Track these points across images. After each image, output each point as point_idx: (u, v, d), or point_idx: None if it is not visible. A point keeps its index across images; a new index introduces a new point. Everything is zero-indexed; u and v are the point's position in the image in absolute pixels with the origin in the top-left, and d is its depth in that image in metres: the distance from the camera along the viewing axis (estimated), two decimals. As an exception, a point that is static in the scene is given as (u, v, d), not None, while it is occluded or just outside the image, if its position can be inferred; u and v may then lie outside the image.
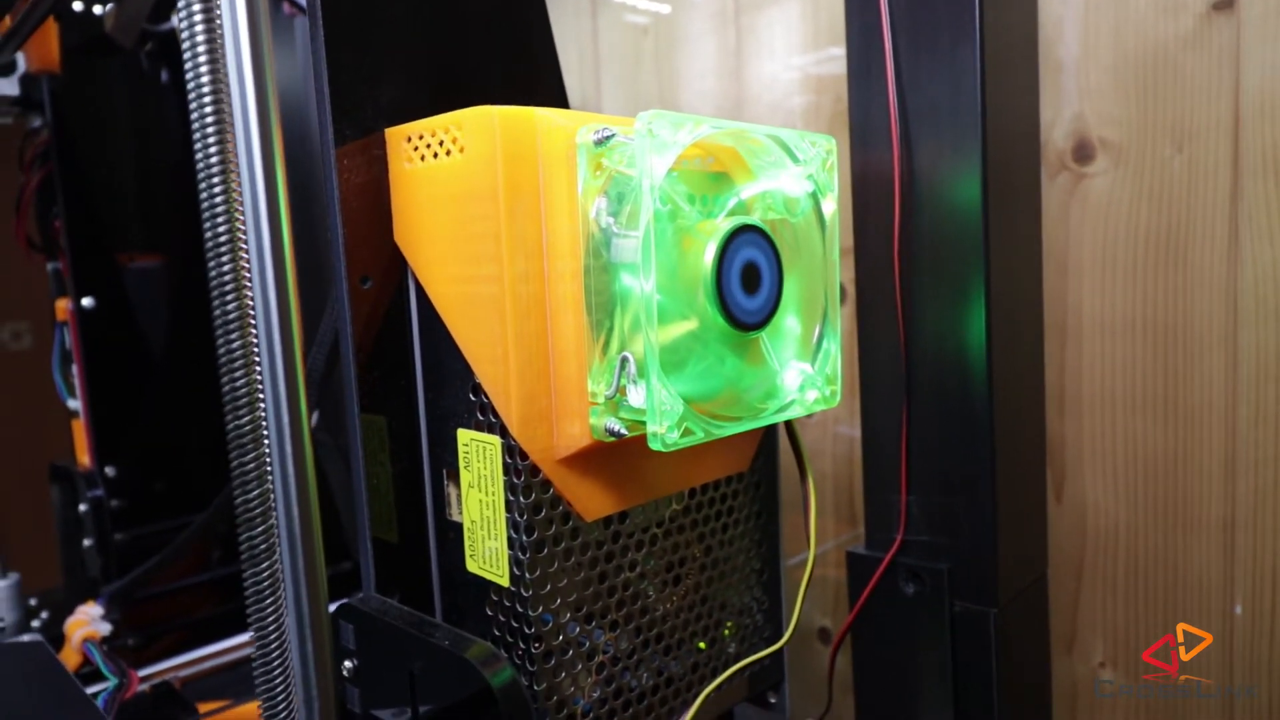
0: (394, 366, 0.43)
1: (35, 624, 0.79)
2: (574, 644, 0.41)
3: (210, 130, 0.30)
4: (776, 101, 0.88)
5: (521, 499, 0.38)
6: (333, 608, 0.44)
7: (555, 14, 0.51)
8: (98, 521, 0.78)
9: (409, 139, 0.40)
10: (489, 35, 0.48)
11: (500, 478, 0.39)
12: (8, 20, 0.71)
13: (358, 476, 0.43)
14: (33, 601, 0.82)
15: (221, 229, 0.30)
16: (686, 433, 0.37)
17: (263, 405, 0.31)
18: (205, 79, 0.30)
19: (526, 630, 0.39)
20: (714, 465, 0.47)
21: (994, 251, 0.51)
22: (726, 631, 0.49)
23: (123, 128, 0.81)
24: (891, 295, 0.53)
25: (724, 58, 0.92)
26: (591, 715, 0.42)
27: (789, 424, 0.49)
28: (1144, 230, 0.66)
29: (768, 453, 0.50)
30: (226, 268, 0.31)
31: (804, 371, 0.44)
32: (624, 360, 0.37)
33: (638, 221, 0.35)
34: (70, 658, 0.67)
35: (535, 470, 0.38)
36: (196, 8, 0.30)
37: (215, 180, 0.30)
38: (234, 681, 0.74)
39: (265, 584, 0.32)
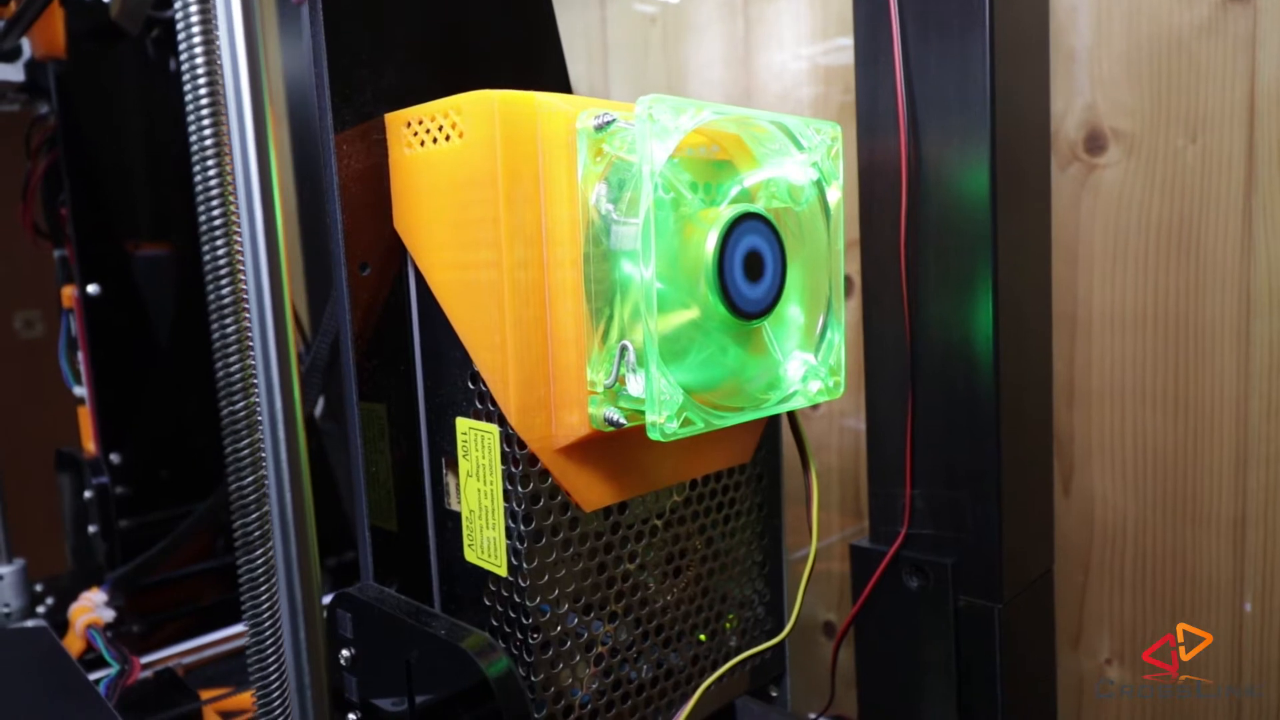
0: (393, 354, 0.42)
1: (41, 609, 0.80)
2: (572, 635, 0.40)
3: (205, 115, 0.30)
4: (785, 91, 0.87)
5: (519, 488, 0.38)
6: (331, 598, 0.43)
7: (563, 3, 0.50)
8: (102, 508, 0.79)
9: (408, 124, 0.40)
10: (491, 19, 0.47)
11: (498, 467, 0.38)
12: (13, 5, 0.71)
13: (356, 464, 0.43)
14: (39, 587, 0.82)
15: (216, 213, 0.30)
16: (686, 423, 0.36)
17: (257, 391, 0.31)
18: (200, 64, 0.30)
19: (524, 621, 0.39)
20: (715, 456, 0.46)
21: (1002, 242, 0.50)
22: (728, 624, 0.49)
23: (129, 114, 0.81)
24: (897, 286, 0.53)
25: (732, 47, 0.92)
26: (590, 707, 0.41)
27: (792, 415, 0.48)
28: (1156, 221, 0.65)
29: (770, 444, 0.50)
30: (221, 253, 0.30)
31: (807, 362, 0.43)
32: (623, 349, 0.36)
33: (638, 208, 0.35)
34: (74, 644, 0.67)
35: (533, 459, 0.38)
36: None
37: (210, 165, 0.30)
38: (238, 669, 0.74)
39: (260, 572, 0.31)
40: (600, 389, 0.37)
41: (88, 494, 0.79)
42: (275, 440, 0.31)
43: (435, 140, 0.39)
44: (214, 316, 0.30)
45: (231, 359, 0.31)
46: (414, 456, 0.43)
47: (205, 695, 0.67)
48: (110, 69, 0.79)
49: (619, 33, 1.02)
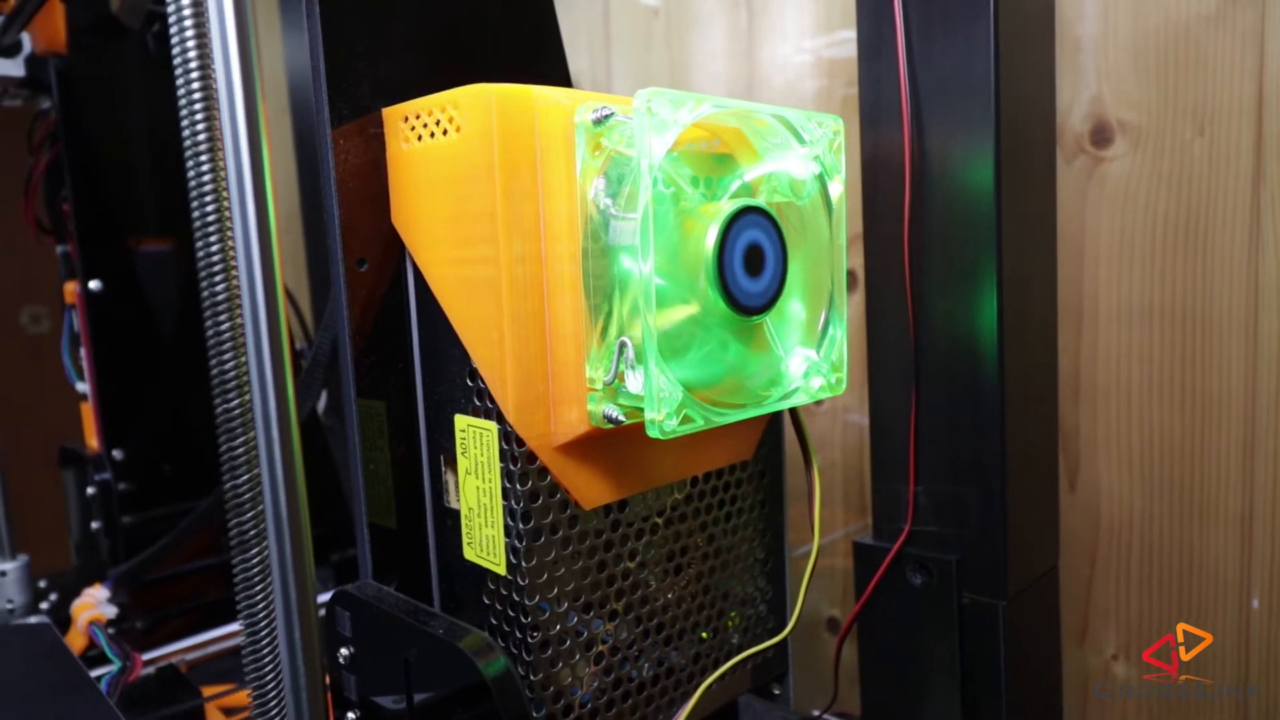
0: (392, 351, 0.42)
1: (44, 606, 0.80)
2: (572, 634, 0.40)
3: (198, 110, 0.30)
4: (788, 84, 0.86)
5: (518, 486, 0.37)
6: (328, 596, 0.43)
7: (563, -5, 0.50)
8: (105, 504, 0.78)
9: (406, 118, 0.40)
10: (490, 12, 0.47)
11: (497, 464, 0.38)
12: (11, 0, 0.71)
13: (354, 462, 0.43)
14: (42, 583, 0.82)
15: (209, 210, 0.30)
16: (686, 420, 0.36)
17: (250, 389, 0.31)
18: (192, 58, 0.30)
19: (523, 620, 0.38)
20: (717, 453, 0.46)
21: (1006, 235, 0.49)
22: (731, 622, 0.49)
23: (131, 110, 0.81)
24: (901, 280, 0.52)
25: (735, 40, 0.91)
26: (590, 706, 0.41)
27: (794, 411, 0.48)
28: (1163, 215, 0.65)
29: (772, 441, 0.49)
30: (215, 249, 0.30)
31: (809, 358, 0.43)
32: (622, 345, 0.36)
33: (637, 203, 0.34)
34: (76, 640, 0.67)
35: (532, 457, 0.38)
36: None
37: (203, 160, 0.30)
38: (241, 666, 0.74)
39: (255, 570, 0.31)
40: (599, 386, 0.37)
41: (90, 490, 0.79)
42: (269, 439, 0.31)
43: (433, 135, 0.38)
44: (208, 313, 0.30)
45: (226, 356, 0.30)
46: (413, 454, 0.43)
47: (208, 692, 0.67)
48: (111, 64, 0.79)
49: (621, 26, 1.02)
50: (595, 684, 0.41)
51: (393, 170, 0.41)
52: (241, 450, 0.31)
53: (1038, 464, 0.56)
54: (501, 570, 0.39)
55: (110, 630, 0.67)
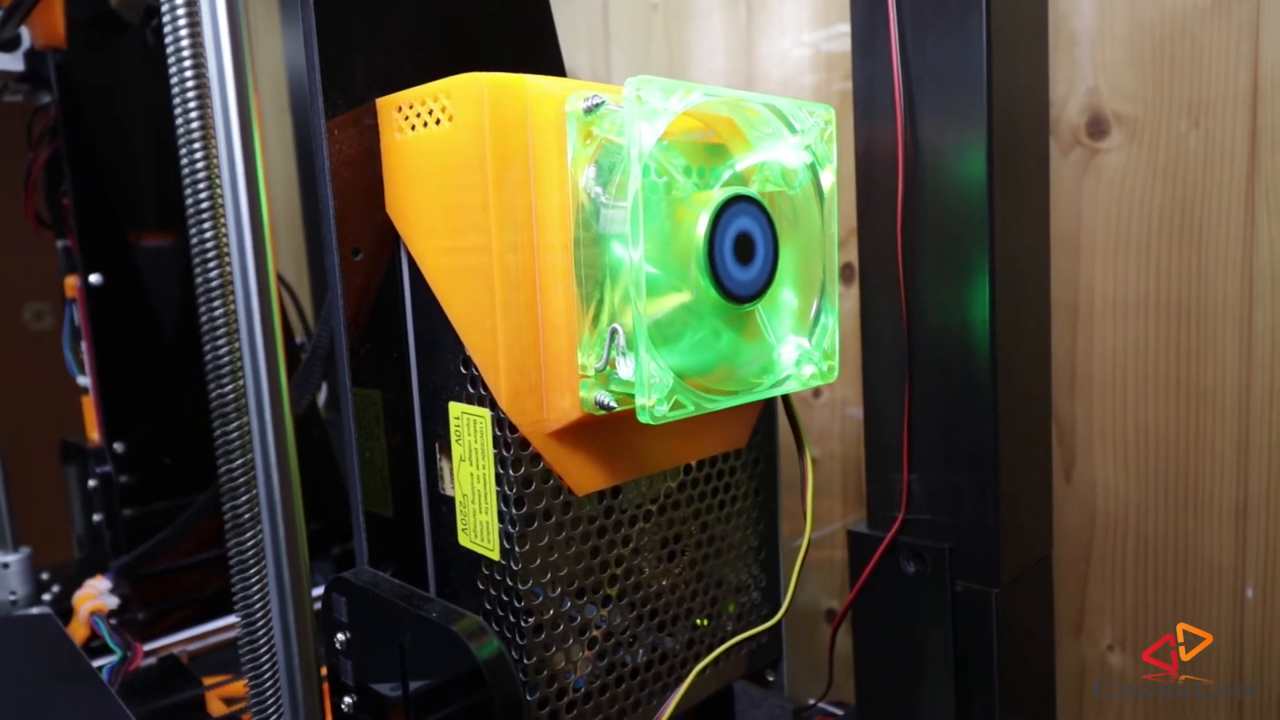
0: (387, 340, 0.43)
1: (46, 597, 0.80)
2: (566, 619, 0.40)
3: (190, 100, 0.30)
4: (787, 78, 0.87)
5: (511, 472, 0.38)
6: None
7: (563, -11, 0.50)
8: (106, 497, 0.79)
9: (399, 108, 0.40)
10: (486, 5, 0.47)
11: (490, 451, 0.38)
12: (11, -5, 0.71)
13: (350, 451, 0.43)
14: (45, 575, 0.83)
15: (203, 198, 0.30)
16: (676, 406, 0.36)
17: (244, 375, 0.31)
18: (185, 49, 0.30)
19: (516, 604, 0.39)
20: (711, 441, 0.46)
21: (999, 226, 0.50)
22: (729, 609, 0.49)
23: (130, 104, 0.81)
24: (895, 271, 0.52)
25: (734, 34, 0.91)
26: (584, 690, 0.42)
27: (786, 400, 0.48)
28: (1158, 207, 0.65)
29: (766, 429, 0.50)
30: (208, 236, 0.30)
31: (801, 346, 0.43)
32: (613, 332, 0.36)
33: (627, 191, 0.35)
34: (78, 630, 0.68)
35: (525, 443, 0.38)
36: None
37: (196, 149, 0.30)
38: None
39: (249, 553, 0.32)
40: (591, 373, 0.37)
41: (92, 483, 0.80)
42: (262, 422, 0.31)
43: (425, 124, 0.39)
44: (202, 300, 0.31)
45: (220, 343, 0.31)
46: (409, 442, 0.43)
47: (208, 681, 0.68)
48: (111, 59, 0.79)
49: (620, 20, 1.02)
50: (589, 669, 0.42)
51: (387, 160, 0.41)
52: (236, 435, 0.31)
53: (1031, 453, 0.56)
54: (495, 556, 0.39)
55: (112, 621, 0.68)
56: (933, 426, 0.53)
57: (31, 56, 0.77)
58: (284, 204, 1.25)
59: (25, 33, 0.76)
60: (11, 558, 0.77)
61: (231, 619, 0.77)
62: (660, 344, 0.36)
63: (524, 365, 0.38)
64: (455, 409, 0.40)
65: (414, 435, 0.43)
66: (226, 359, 0.31)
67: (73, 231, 0.78)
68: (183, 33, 0.30)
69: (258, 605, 0.32)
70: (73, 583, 0.77)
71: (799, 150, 0.42)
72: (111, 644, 0.65)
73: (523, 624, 0.39)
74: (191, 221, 0.30)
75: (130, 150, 0.81)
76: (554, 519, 0.40)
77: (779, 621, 0.50)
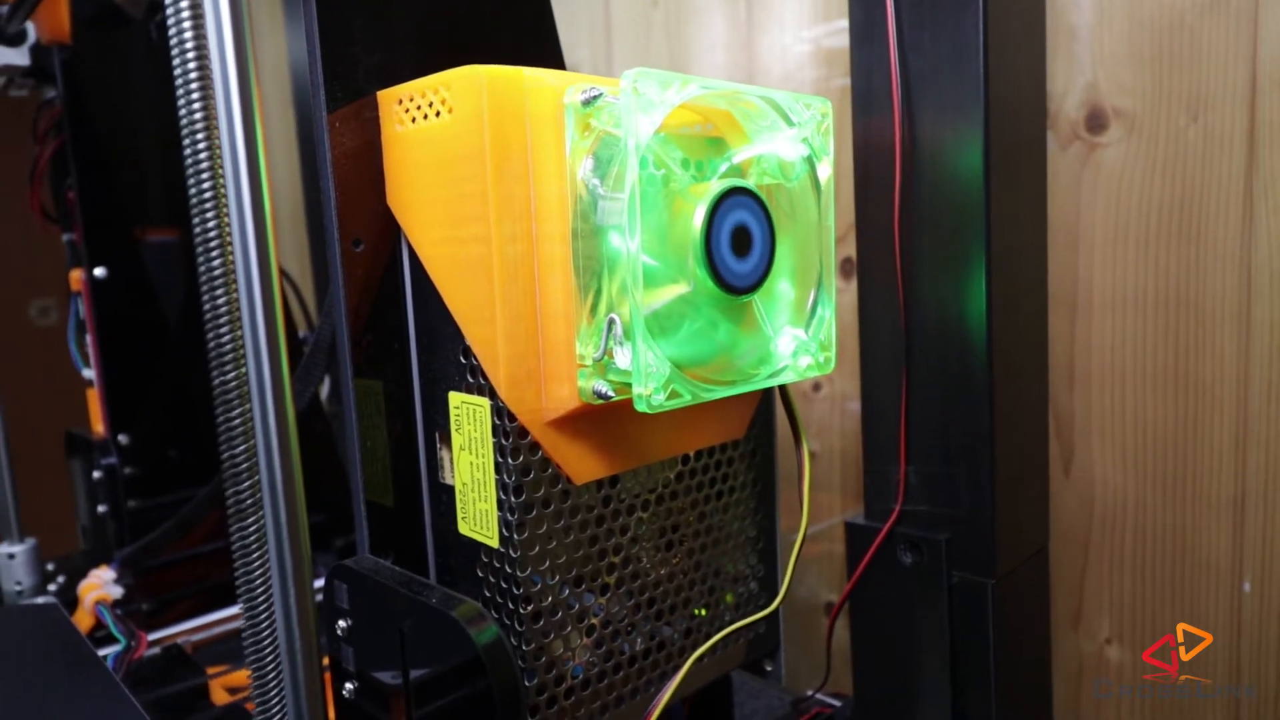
0: (388, 330, 0.43)
1: (52, 588, 0.81)
2: (564, 606, 0.41)
3: (194, 91, 0.31)
4: (787, 74, 0.87)
5: (510, 461, 0.38)
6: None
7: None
8: (111, 488, 0.80)
9: (399, 101, 0.40)
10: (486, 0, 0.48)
11: (489, 440, 0.39)
12: (16, -10, 0.72)
13: (352, 440, 0.44)
14: (50, 566, 0.84)
15: (206, 187, 0.31)
16: (673, 395, 0.37)
17: (246, 362, 0.32)
18: (189, 40, 0.31)
19: (515, 591, 0.39)
20: (709, 431, 0.47)
21: (995, 220, 0.50)
22: (728, 599, 0.49)
23: (134, 98, 0.82)
24: (892, 264, 0.53)
25: (734, 30, 0.91)
26: (582, 678, 0.42)
27: (784, 390, 0.49)
28: (1157, 202, 0.65)
29: (764, 420, 0.50)
30: (211, 225, 0.31)
31: (798, 337, 0.43)
32: (611, 322, 0.37)
33: (624, 183, 0.35)
34: (83, 620, 0.69)
35: (524, 432, 0.38)
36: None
37: (199, 139, 0.31)
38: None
39: (252, 538, 0.32)
40: (589, 362, 0.38)
41: (97, 475, 0.81)
42: (264, 409, 0.32)
43: (425, 116, 0.39)
44: (205, 288, 0.31)
45: (223, 330, 0.31)
46: (409, 431, 0.44)
47: (212, 671, 0.68)
48: (115, 53, 0.80)
49: (622, 16, 1.02)
50: (587, 656, 0.42)
51: (387, 152, 0.42)
52: (238, 422, 0.31)
53: (1027, 445, 0.56)
54: (495, 543, 0.39)
55: (116, 610, 0.69)
56: (930, 419, 0.53)
57: (37, 51, 0.78)
58: (287, 198, 1.25)
59: (31, 28, 0.77)
60: (17, 548, 0.78)
61: (234, 610, 0.78)
62: (658, 334, 0.37)
63: (522, 355, 0.38)
64: (455, 398, 0.40)
65: (414, 425, 0.44)
66: (229, 346, 0.31)
67: (78, 225, 0.78)
68: (186, 25, 0.30)
69: (259, 590, 0.33)
70: (78, 573, 0.78)
71: (796, 143, 0.42)
72: (116, 633, 0.65)
73: (521, 611, 0.39)
74: (194, 211, 0.31)
75: (135, 144, 0.82)
76: (553, 507, 0.40)
77: (776, 611, 0.50)
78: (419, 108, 0.39)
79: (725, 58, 0.92)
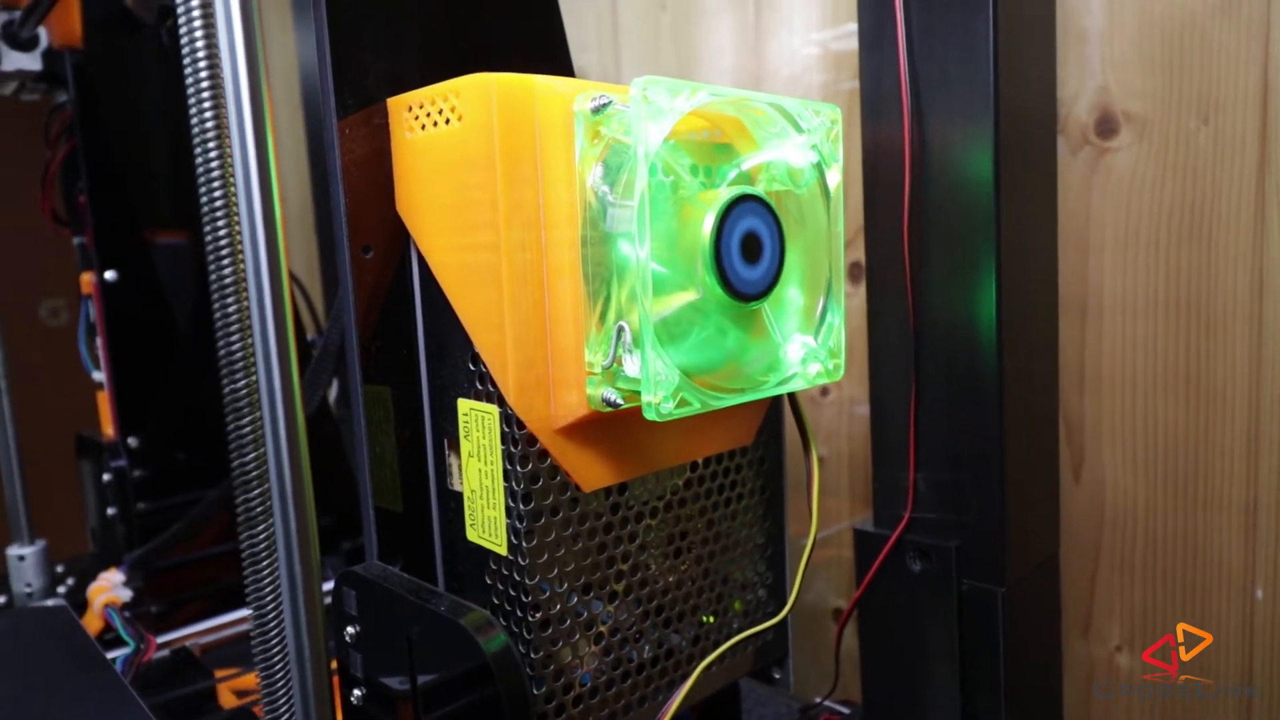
0: (397, 337, 0.43)
1: (61, 590, 0.81)
2: (572, 614, 0.41)
3: (205, 98, 0.31)
4: (795, 77, 0.87)
5: (519, 468, 0.38)
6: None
7: (572, -12, 0.51)
8: (120, 491, 0.80)
9: (409, 108, 0.40)
10: (495, 6, 0.48)
11: (498, 447, 0.39)
12: (28, -5, 0.72)
13: (361, 446, 0.44)
14: (60, 568, 0.84)
15: (217, 195, 0.31)
16: (682, 403, 0.37)
17: (256, 369, 0.32)
18: (200, 47, 0.31)
19: (524, 599, 0.39)
20: (717, 438, 0.47)
21: (1006, 225, 0.50)
22: (737, 606, 0.49)
23: (145, 103, 0.82)
24: (901, 270, 0.53)
25: (743, 34, 0.91)
26: (590, 685, 0.42)
27: (793, 398, 0.49)
28: (1168, 206, 0.65)
29: (772, 427, 0.50)
30: (222, 233, 0.31)
31: (807, 344, 0.43)
32: (620, 329, 0.36)
33: (634, 190, 0.35)
34: (92, 622, 0.69)
35: (532, 439, 0.38)
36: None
37: (210, 147, 0.31)
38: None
39: (262, 546, 0.32)
40: (598, 370, 0.38)
41: (106, 477, 0.81)
42: (274, 416, 0.32)
43: (435, 124, 0.39)
44: (216, 296, 0.31)
45: (233, 338, 0.31)
46: (418, 438, 0.44)
47: (220, 674, 0.68)
48: (126, 58, 0.80)
49: (629, 19, 1.02)
50: (595, 664, 0.42)
51: (397, 159, 0.42)
52: (249, 428, 0.31)
53: (1037, 452, 0.56)
54: (503, 551, 0.39)
55: (125, 613, 0.69)
56: (939, 425, 0.53)
57: (49, 56, 0.78)
58: (296, 203, 1.26)
59: (43, 33, 0.77)
60: (27, 550, 0.78)
61: (243, 613, 0.79)
62: (667, 342, 0.36)
63: (531, 362, 0.38)
64: (464, 405, 0.40)
65: (423, 431, 0.44)
66: (239, 354, 0.31)
67: (89, 229, 0.79)
68: (198, 31, 0.30)
69: (269, 598, 0.33)
70: (87, 575, 0.78)
71: (805, 149, 0.42)
72: (125, 636, 0.66)
73: (530, 619, 0.39)
74: (206, 218, 0.31)
75: (145, 148, 0.82)
76: (561, 515, 0.40)
77: (785, 619, 0.50)
78: (429, 115, 0.39)
79: (733, 61, 0.92)
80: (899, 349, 0.54)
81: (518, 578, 0.39)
